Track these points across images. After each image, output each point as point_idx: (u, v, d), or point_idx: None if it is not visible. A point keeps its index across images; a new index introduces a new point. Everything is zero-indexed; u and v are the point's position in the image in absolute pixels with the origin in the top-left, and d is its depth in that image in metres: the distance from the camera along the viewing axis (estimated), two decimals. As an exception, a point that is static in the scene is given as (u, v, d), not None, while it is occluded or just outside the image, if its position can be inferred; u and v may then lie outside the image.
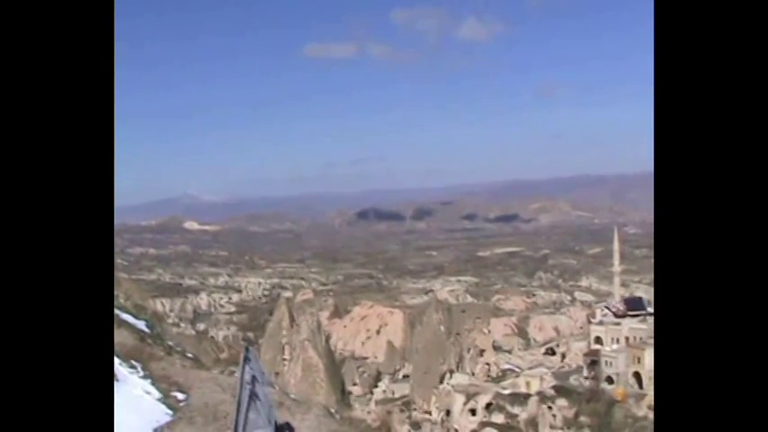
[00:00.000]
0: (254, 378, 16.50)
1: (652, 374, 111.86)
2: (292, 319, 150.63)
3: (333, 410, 26.84)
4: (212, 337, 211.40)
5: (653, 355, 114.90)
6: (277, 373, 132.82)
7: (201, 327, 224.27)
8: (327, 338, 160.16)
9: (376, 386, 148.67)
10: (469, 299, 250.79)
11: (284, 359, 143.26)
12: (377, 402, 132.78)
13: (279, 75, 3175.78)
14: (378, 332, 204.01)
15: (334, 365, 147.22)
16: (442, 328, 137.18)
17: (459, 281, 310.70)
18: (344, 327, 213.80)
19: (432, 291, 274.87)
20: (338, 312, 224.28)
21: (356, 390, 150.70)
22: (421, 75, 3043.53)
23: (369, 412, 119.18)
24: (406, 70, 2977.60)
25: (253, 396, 15.86)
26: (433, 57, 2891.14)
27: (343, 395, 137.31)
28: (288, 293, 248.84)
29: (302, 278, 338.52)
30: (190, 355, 51.86)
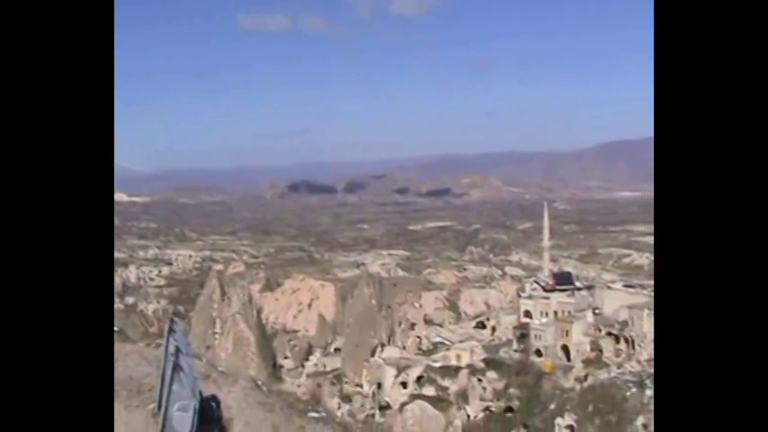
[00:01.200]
0: (178, 349, 15.88)
1: (579, 347, 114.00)
2: (223, 293, 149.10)
3: (260, 383, 26.29)
4: (141, 310, 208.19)
5: (581, 328, 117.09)
6: (208, 347, 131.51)
7: (130, 300, 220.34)
8: (259, 312, 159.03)
9: (307, 359, 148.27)
10: (401, 273, 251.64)
11: (215, 333, 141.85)
12: (308, 376, 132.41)
13: (211, 45, 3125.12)
14: (309, 305, 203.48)
15: (266, 339, 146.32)
16: (373, 301, 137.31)
17: (390, 254, 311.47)
18: (276, 300, 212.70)
19: (363, 264, 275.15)
20: (270, 285, 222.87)
21: (287, 363, 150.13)
22: (354, 48, 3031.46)
23: (299, 385, 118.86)
24: (340, 43, 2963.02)
25: (177, 368, 15.24)
26: (366, 30, 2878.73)
27: (275, 369, 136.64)
28: (219, 266, 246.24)
29: (233, 251, 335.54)
30: (116, 328, 50.75)
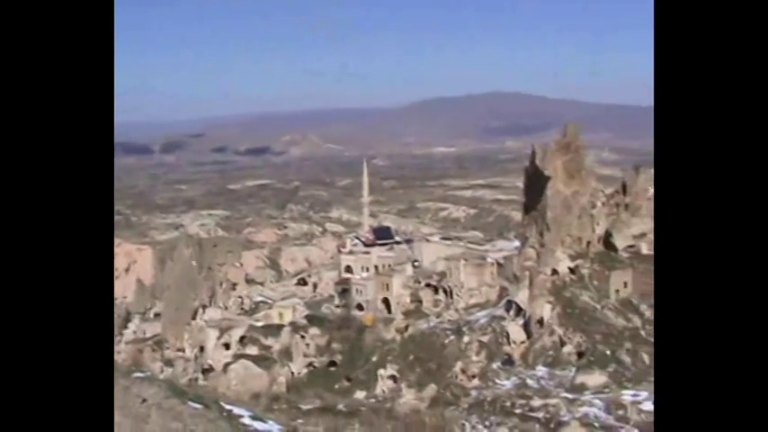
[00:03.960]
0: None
1: (399, 299, 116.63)
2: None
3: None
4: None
5: (401, 281, 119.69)
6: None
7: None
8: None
9: (126, 326, 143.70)
10: (221, 232, 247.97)
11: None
12: (127, 343, 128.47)
13: None
14: (126, 271, 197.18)
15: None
16: (193, 263, 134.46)
17: (210, 215, 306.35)
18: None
19: (182, 226, 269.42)
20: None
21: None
22: (184, 4, 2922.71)
23: (119, 352, 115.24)
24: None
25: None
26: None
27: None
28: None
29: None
30: None
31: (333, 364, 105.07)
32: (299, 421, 66.59)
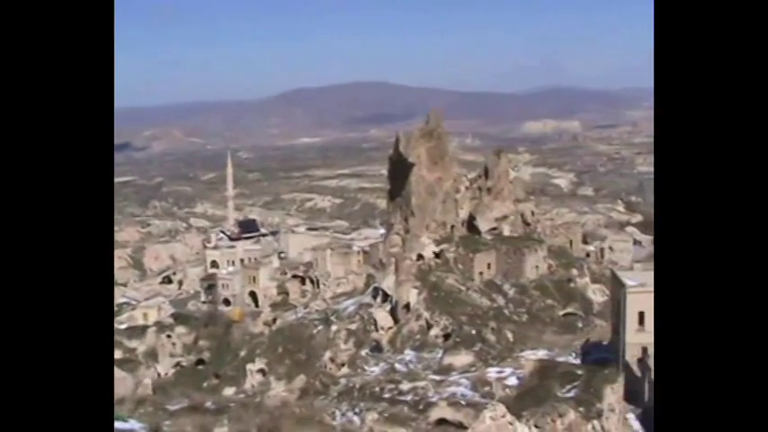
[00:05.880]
0: None
1: (266, 292, 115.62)
2: None
3: None
4: None
5: (268, 274, 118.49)
6: None
7: None
8: None
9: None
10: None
11: None
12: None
13: None
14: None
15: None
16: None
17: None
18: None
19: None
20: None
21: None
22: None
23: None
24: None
25: None
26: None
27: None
28: None
29: None
30: None
31: (201, 362, 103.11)
32: (166, 423, 64.74)
